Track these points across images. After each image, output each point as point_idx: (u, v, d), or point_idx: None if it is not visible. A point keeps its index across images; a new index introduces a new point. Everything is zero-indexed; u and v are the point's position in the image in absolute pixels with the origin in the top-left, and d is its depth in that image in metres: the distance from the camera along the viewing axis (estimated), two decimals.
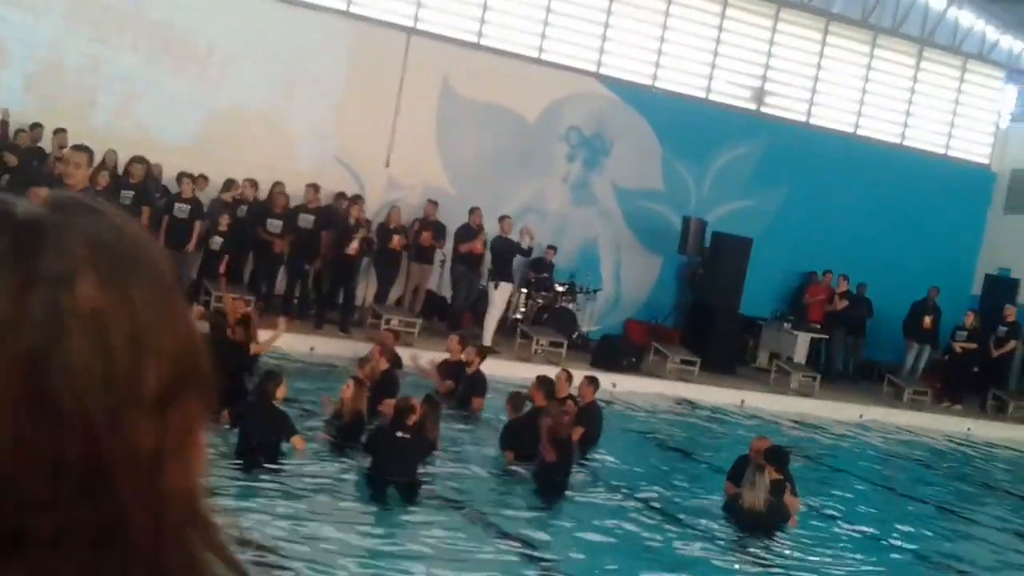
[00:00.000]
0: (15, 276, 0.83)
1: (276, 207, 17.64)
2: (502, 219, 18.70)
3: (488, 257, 18.86)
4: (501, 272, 18.13)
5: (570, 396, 13.46)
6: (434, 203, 19.17)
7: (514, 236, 18.52)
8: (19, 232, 0.85)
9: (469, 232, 18.69)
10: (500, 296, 17.98)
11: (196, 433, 0.90)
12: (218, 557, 0.91)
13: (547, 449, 11.22)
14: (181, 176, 17.38)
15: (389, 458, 10.27)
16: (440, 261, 19.48)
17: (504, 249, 18.29)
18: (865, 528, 12.06)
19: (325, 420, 11.94)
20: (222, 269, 16.96)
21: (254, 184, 18.05)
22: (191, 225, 16.74)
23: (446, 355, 15.06)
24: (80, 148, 7.88)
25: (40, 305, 0.82)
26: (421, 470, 10.66)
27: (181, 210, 16.78)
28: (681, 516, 11.19)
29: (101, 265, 0.85)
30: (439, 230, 18.97)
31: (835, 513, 12.45)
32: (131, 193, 16.47)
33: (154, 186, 17.54)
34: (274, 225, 17.47)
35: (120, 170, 17.25)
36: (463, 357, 14.64)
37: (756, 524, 10.70)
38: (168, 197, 17.23)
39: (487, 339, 17.58)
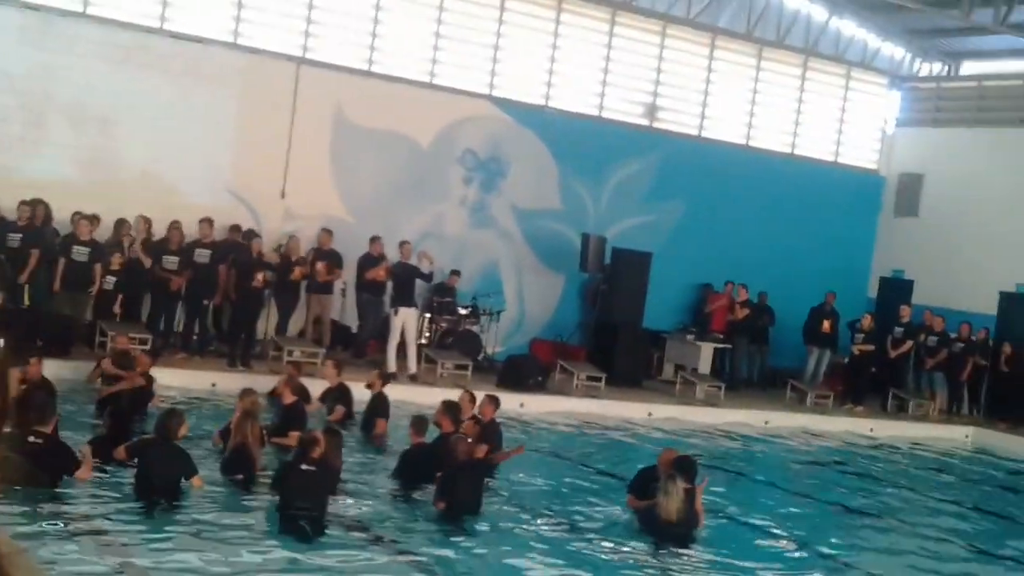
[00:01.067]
0: None
1: (171, 243, 17.36)
2: (402, 244, 18.63)
3: (390, 284, 18.74)
4: (402, 298, 18.03)
5: (473, 416, 13.40)
6: (328, 232, 19.00)
7: (413, 261, 18.43)
8: None
9: (371, 260, 18.60)
10: (399, 321, 17.85)
11: None
12: None
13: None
14: (76, 217, 16.94)
15: (296, 492, 10.10)
16: (341, 290, 19.33)
17: (405, 275, 18.20)
18: (777, 532, 12.17)
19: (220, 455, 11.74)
20: (116, 308, 16.65)
21: (147, 221, 17.75)
22: (91, 268, 16.36)
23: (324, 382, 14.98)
24: None
25: None
26: (330, 502, 10.51)
27: (80, 252, 16.33)
28: (592, 531, 11.17)
29: None
30: (335, 259, 18.81)
31: (748, 519, 12.54)
32: (18, 236, 16.10)
33: (46, 229, 17.10)
34: (170, 262, 17.19)
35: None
36: (365, 382, 14.55)
37: (672, 533, 10.72)
38: (64, 239, 16.80)
39: (389, 365, 17.47)
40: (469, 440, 11.76)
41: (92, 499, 10.00)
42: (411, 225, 20.86)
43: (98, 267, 16.46)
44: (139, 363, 13.97)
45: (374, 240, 18.79)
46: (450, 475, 11.05)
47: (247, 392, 12.17)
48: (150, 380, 13.88)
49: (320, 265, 18.56)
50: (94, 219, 17.34)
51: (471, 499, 11.07)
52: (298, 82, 20.06)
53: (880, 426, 20.41)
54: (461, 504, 10.94)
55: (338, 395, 14.64)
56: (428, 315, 19.90)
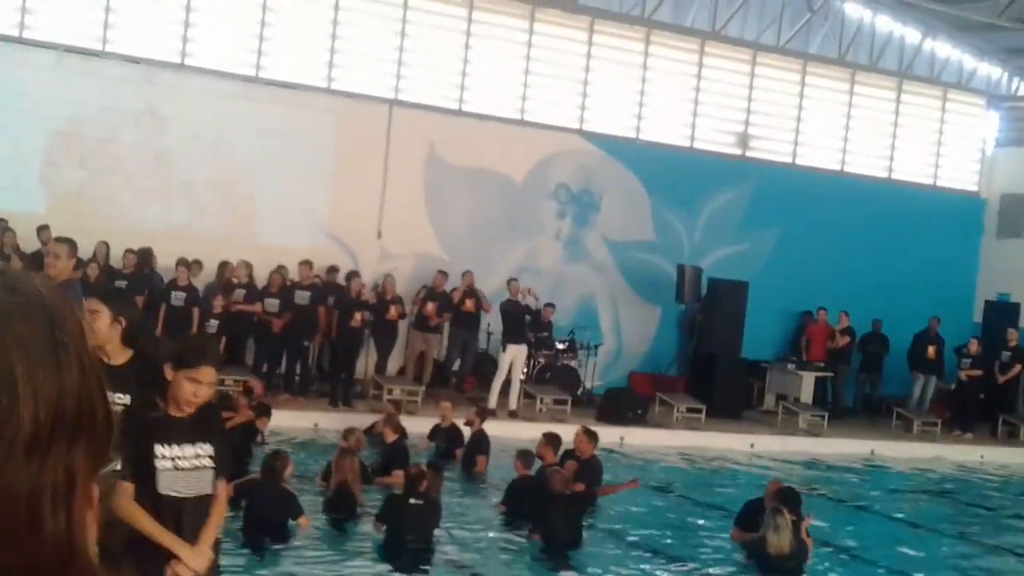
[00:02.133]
0: None
1: (272, 286, 17.67)
2: (510, 282, 18.75)
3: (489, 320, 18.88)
4: (512, 335, 18.06)
5: (567, 452, 13.33)
6: (444, 274, 19.12)
7: (520, 298, 18.52)
8: None
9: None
10: (508, 358, 17.88)
11: (83, 481, 0.93)
12: None
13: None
14: (177, 263, 17.38)
15: (404, 525, 10.23)
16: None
17: (513, 312, 18.26)
18: (889, 564, 11.92)
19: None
20: (221, 351, 16.93)
21: (248, 265, 18.07)
22: (189, 311, 16.73)
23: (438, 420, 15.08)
24: (61, 240, 7.99)
25: None
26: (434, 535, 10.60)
27: (177, 298, 16.80)
28: (699, 565, 11.06)
29: None
30: (445, 302, 18.92)
31: (856, 551, 12.31)
32: (124, 283, 16.50)
33: (153, 276, 17.52)
34: (271, 304, 17.49)
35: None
36: (465, 419, 14.60)
37: (782, 567, 10.56)
38: (165, 286, 17.24)
39: (492, 402, 17.53)
40: (563, 472, 11.74)
41: None
42: (506, 261, 20.95)
43: (195, 311, 16.81)
44: (240, 406, 14.18)
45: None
46: (544, 507, 11.06)
47: (350, 431, 12.32)
48: (264, 415, 14.01)
49: (431, 306, 18.71)
50: (194, 264, 17.77)
51: (566, 531, 11.04)
52: (391, 123, 20.32)
53: (990, 453, 19.91)
54: (556, 536, 10.93)
55: (449, 434, 14.71)
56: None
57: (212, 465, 5.33)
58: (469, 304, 18.83)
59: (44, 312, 0.94)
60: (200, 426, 5.29)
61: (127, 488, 5.06)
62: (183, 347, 5.53)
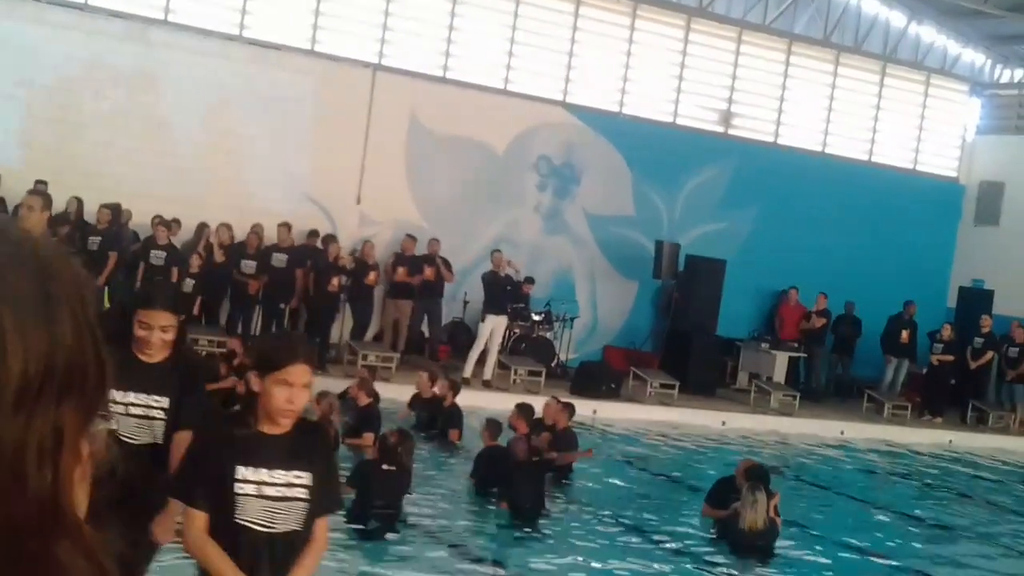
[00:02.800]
0: None
1: (249, 247, 17.58)
2: (493, 253, 18.75)
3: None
4: (493, 305, 18.06)
5: (539, 422, 13.37)
6: (412, 238, 19.15)
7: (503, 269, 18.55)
8: None
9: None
10: (488, 328, 17.90)
11: (72, 436, 0.91)
12: (88, 562, 0.91)
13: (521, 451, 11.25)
14: (155, 221, 17.26)
15: (375, 491, 10.25)
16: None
17: (494, 283, 18.25)
18: (855, 543, 12.02)
19: None
20: (195, 311, 16.89)
21: (228, 227, 17.98)
22: (168, 271, 16.63)
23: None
24: (34, 192, 7.94)
25: None
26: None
27: (157, 257, 16.66)
28: (668, 539, 11.13)
29: None
30: (415, 266, 18.93)
31: (823, 531, 12.40)
32: (98, 239, 16.39)
33: (124, 232, 17.43)
34: (248, 266, 17.42)
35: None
36: (436, 391, 14.56)
37: (754, 544, 10.63)
38: (143, 243, 17.13)
39: (467, 371, 17.55)
40: (526, 440, 11.78)
41: None
42: (485, 231, 20.94)
43: (175, 270, 16.72)
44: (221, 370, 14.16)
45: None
46: (509, 474, 11.13)
47: (322, 395, 12.31)
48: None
49: (401, 270, 18.72)
50: (174, 224, 17.68)
51: (532, 498, 11.11)
52: (374, 88, 20.22)
53: (959, 438, 20.08)
54: (522, 503, 11.00)
55: (429, 405, 14.69)
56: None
57: (308, 497, 4.38)
58: (429, 272, 18.83)
59: (36, 262, 0.92)
60: (299, 448, 4.38)
61: (199, 517, 4.29)
62: (267, 345, 4.73)
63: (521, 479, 11.13)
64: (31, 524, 0.88)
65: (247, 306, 17.68)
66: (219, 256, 17.30)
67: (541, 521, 11.01)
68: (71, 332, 0.91)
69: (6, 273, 0.90)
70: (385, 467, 10.34)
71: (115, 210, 17.28)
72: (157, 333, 4.97)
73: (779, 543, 10.95)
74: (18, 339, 0.88)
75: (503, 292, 18.24)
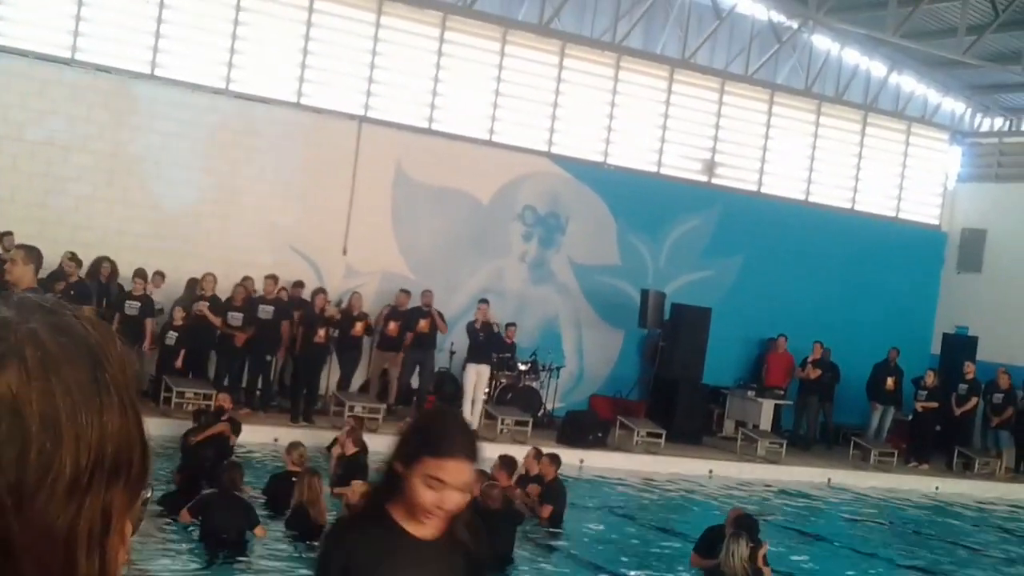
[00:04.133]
0: None
1: (236, 300, 17.60)
2: (480, 303, 18.87)
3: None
4: (472, 355, 18.13)
5: (533, 475, 13.40)
6: (406, 292, 19.15)
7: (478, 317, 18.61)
8: None
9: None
10: (472, 376, 17.96)
11: (118, 521, 0.94)
12: None
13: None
14: (134, 274, 17.31)
15: None
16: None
17: (475, 332, 18.35)
18: None
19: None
20: (178, 364, 16.88)
21: (214, 279, 17.95)
22: (142, 322, 16.64)
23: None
24: (20, 246, 8.03)
25: None
26: None
27: (131, 307, 16.70)
28: None
29: (27, 357, 0.92)
30: (409, 320, 18.94)
31: None
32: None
33: (95, 284, 17.29)
34: (235, 318, 17.42)
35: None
36: None
37: None
38: (118, 294, 17.14)
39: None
40: (499, 487, 11.75)
41: (161, 551, 10.12)
42: (471, 281, 21.01)
43: (148, 322, 16.72)
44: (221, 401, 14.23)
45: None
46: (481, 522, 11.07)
47: (293, 447, 12.31)
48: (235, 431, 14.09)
49: (392, 325, 18.73)
50: (156, 276, 17.72)
51: (500, 547, 11.08)
52: (360, 140, 20.33)
53: (946, 484, 20.10)
54: (493, 552, 10.96)
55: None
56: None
57: None
58: (423, 324, 18.86)
59: (90, 353, 0.95)
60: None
61: None
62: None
63: (492, 527, 11.10)
64: None
65: (234, 358, 17.65)
66: (209, 314, 17.24)
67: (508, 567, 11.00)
68: (119, 419, 0.95)
69: (61, 365, 0.93)
70: None
71: (100, 263, 17.32)
72: (453, 496, 3.32)
73: None
74: (72, 431, 0.91)
75: (483, 342, 18.28)
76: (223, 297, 17.74)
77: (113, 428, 0.94)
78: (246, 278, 18.05)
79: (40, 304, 0.98)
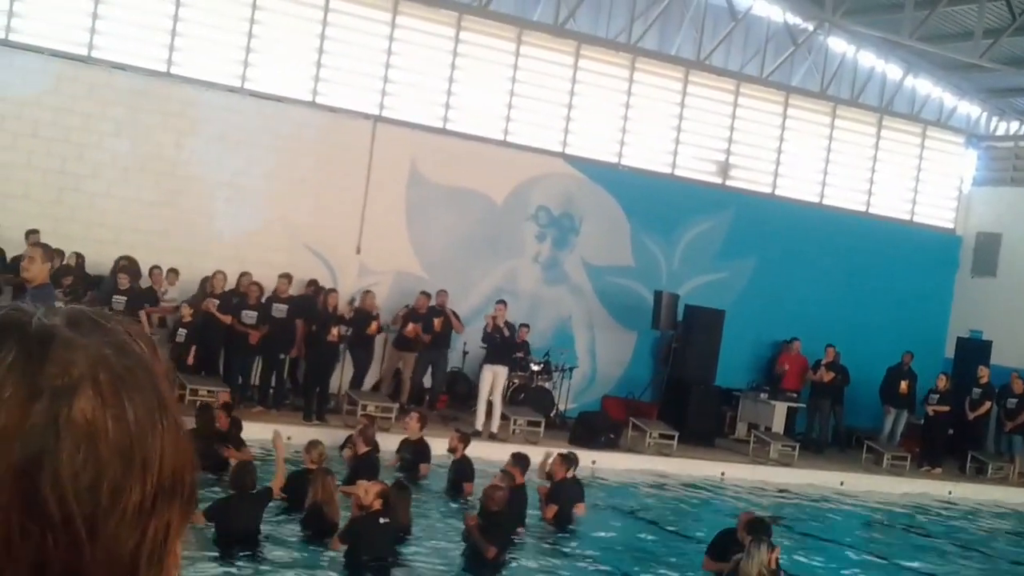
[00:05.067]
0: (21, 387, 0.89)
1: (250, 298, 17.62)
2: (497, 304, 18.91)
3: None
4: (493, 356, 18.12)
5: (558, 480, 13.45)
6: (427, 295, 19.13)
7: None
8: (29, 344, 0.92)
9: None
10: (489, 376, 17.91)
11: (174, 541, 0.95)
12: None
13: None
14: (154, 271, 17.40)
15: (367, 544, 10.26)
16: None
17: (488, 338, 18.35)
18: None
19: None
20: (189, 360, 16.87)
21: (224, 276, 17.98)
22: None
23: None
24: (37, 245, 8.08)
25: (40, 415, 0.89)
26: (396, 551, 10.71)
27: (118, 302, 16.53)
28: None
29: (100, 382, 0.91)
30: (428, 322, 18.92)
31: None
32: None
33: (111, 281, 17.38)
34: (249, 316, 17.44)
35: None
36: (448, 446, 14.47)
37: None
38: (105, 288, 17.06)
39: (478, 423, 17.58)
40: (505, 491, 11.77)
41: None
42: (484, 281, 21.02)
43: (142, 314, 16.65)
44: (219, 422, 14.20)
45: (421, 295, 19.11)
46: (488, 523, 11.14)
47: (312, 446, 12.34)
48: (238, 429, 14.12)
49: (411, 327, 18.72)
50: (171, 273, 17.83)
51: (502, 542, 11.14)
52: (374, 140, 20.35)
53: (959, 489, 20.04)
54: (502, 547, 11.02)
55: (417, 449, 14.68)
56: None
57: None
58: (437, 323, 18.85)
59: (149, 376, 0.95)
60: None
61: None
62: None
63: (493, 530, 11.14)
64: None
65: (247, 356, 17.68)
66: (208, 306, 17.18)
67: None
68: (175, 439, 0.96)
69: (132, 390, 0.93)
70: (383, 520, 10.37)
71: (119, 262, 17.41)
72: None
73: None
74: (140, 456, 0.92)
75: (500, 344, 18.23)
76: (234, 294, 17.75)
77: (171, 450, 0.95)
78: (254, 279, 17.96)
79: (95, 320, 0.97)
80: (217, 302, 17.31)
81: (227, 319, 17.21)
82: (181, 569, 0.98)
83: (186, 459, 0.97)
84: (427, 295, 19.12)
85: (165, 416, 0.95)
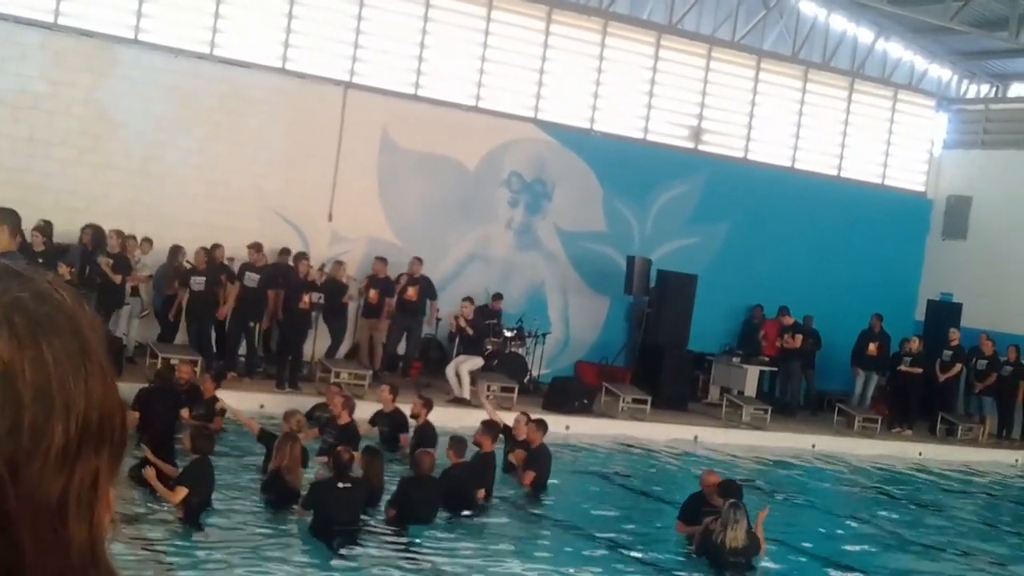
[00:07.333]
0: None
1: (199, 264, 17.55)
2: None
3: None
4: (462, 350, 18.43)
5: (520, 440, 13.48)
6: (383, 260, 19.13)
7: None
8: None
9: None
10: (461, 364, 18.04)
11: (104, 487, 0.95)
12: None
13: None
14: (128, 240, 17.23)
15: (331, 509, 10.34)
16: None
17: (458, 334, 18.66)
18: (828, 556, 12.09)
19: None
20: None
21: (205, 250, 17.77)
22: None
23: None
24: (4, 221, 7.91)
25: None
26: (364, 516, 10.76)
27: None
28: (643, 554, 11.16)
29: (15, 324, 0.91)
30: (387, 288, 18.94)
31: (800, 546, 12.46)
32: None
33: (79, 249, 17.15)
34: (197, 282, 17.31)
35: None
36: (411, 411, 14.50)
37: (737, 561, 10.64)
38: (71, 254, 16.86)
39: (453, 388, 17.65)
40: (432, 455, 11.83)
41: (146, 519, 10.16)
42: (457, 248, 21.00)
43: (119, 277, 16.48)
44: (205, 388, 14.17)
45: (378, 260, 19.11)
46: (403, 486, 11.15)
47: (291, 414, 12.34)
48: (213, 402, 14.08)
49: (373, 293, 18.73)
50: (144, 242, 17.69)
51: (425, 511, 11.23)
52: (345, 106, 20.23)
53: (929, 450, 20.24)
54: (411, 514, 11.05)
55: (392, 420, 14.68)
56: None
57: None
58: (412, 292, 18.85)
59: (71, 322, 0.95)
60: None
61: None
62: None
63: (417, 492, 11.19)
64: (69, 571, 0.92)
65: (218, 325, 17.62)
66: (104, 263, 16.75)
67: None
68: (101, 384, 0.95)
69: (50, 335, 0.93)
70: (340, 485, 10.43)
71: (84, 231, 17.20)
72: None
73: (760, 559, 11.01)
74: (62, 399, 0.91)
75: (473, 335, 18.42)
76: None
77: (97, 395, 0.94)
78: (215, 246, 17.84)
79: (14, 271, 0.97)
80: (110, 261, 16.58)
81: (118, 279, 16.70)
82: (114, 517, 0.98)
83: (114, 405, 0.97)
84: (383, 260, 19.06)
85: (89, 361, 0.95)
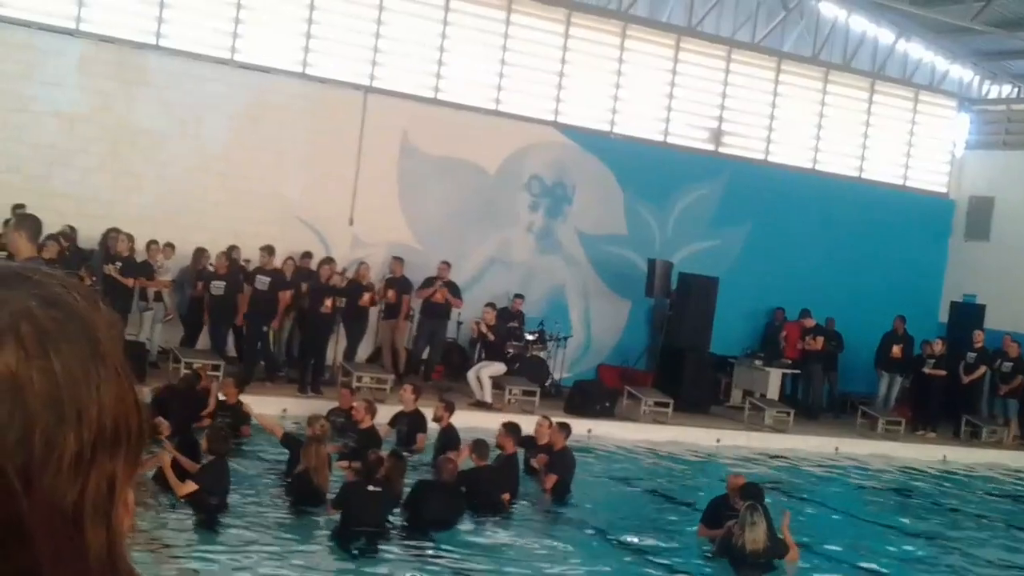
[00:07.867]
0: None
1: (218, 269, 17.68)
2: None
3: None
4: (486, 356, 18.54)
5: (543, 444, 13.46)
6: (399, 260, 19.19)
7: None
8: None
9: (430, 282, 18.88)
10: (482, 369, 18.06)
11: (122, 491, 0.94)
12: None
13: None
14: (152, 246, 17.39)
15: (359, 511, 10.35)
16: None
17: (479, 340, 18.82)
18: (851, 560, 12.03)
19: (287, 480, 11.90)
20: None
21: (225, 253, 17.91)
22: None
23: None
24: (14, 215, 7.99)
25: None
26: (388, 520, 10.76)
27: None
28: (664, 558, 11.12)
29: (23, 334, 0.90)
30: (404, 287, 18.98)
31: (823, 549, 12.40)
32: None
33: (101, 253, 17.26)
34: (216, 287, 17.42)
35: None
36: (433, 415, 14.48)
37: (757, 563, 10.59)
38: (94, 259, 16.96)
39: (476, 393, 17.64)
40: (455, 462, 11.82)
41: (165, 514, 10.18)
42: (478, 251, 21.00)
43: (131, 281, 16.55)
44: (227, 393, 14.22)
45: (395, 259, 19.29)
46: (421, 489, 11.14)
47: (315, 419, 12.36)
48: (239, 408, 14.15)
49: (391, 292, 18.78)
50: (167, 247, 17.75)
51: (441, 516, 11.20)
52: (365, 110, 20.26)
53: (953, 453, 20.11)
54: (428, 518, 11.02)
55: (412, 420, 14.68)
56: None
57: None
58: (439, 295, 18.86)
59: (83, 326, 0.94)
60: None
61: None
62: None
63: (434, 497, 11.18)
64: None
65: (236, 329, 17.78)
66: (110, 269, 16.79)
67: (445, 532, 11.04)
68: (115, 390, 0.94)
69: (60, 342, 0.92)
70: (371, 488, 10.45)
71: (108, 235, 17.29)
72: None
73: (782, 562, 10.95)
74: (73, 407, 0.90)
75: (496, 340, 18.51)
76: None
77: (111, 399, 0.93)
78: (232, 247, 18.01)
79: (26, 275, 0.96)
80: (117, 266, 16.70)
81: (129, 283, 16.83)
82: (134, 521, 0.97)
83: (130, 407, 0.96)
84: (399, 260, 19.13)
85: (102, 365, 0.94)
